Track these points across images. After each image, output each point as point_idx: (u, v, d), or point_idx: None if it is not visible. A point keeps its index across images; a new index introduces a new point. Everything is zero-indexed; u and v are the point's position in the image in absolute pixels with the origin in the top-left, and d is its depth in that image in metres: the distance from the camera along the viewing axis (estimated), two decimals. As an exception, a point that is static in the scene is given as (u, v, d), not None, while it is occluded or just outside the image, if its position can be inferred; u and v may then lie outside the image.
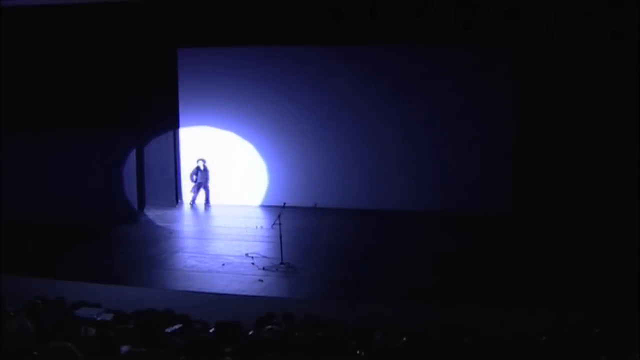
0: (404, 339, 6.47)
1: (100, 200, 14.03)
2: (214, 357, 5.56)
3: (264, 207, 15.36)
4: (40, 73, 13.88)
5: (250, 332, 6.77)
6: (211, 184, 15.69)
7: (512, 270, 10.85)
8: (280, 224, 11.48)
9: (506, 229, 13.17)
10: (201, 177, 15.59)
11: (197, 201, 15.74)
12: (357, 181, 15.03)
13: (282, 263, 11.20)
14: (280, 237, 11.43)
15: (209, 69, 15.45)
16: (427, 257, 11.80)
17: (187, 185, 15.87)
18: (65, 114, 13.90)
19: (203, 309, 8.21)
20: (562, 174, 13.41)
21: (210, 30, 13.99)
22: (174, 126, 15.72)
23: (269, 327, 6.78)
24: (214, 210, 15.61)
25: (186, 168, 15.88)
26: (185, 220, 15.02)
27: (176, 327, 6.83)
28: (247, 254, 11.82)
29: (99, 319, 7.29)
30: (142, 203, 15.22)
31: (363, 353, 5.91)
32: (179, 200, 16.01)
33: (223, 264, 11.45)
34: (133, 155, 14.78)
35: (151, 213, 15.07)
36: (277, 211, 11.89)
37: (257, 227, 13.68)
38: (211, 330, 6.76)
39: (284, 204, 12.06)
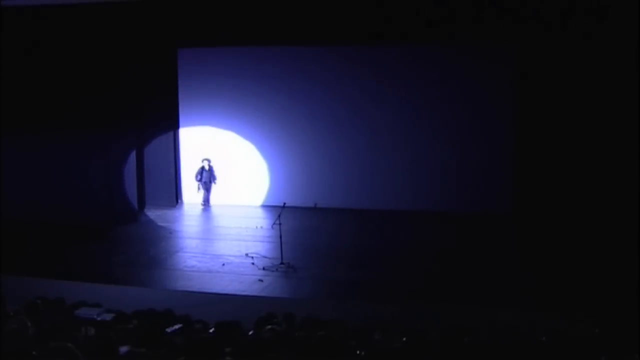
0: (404, 339, 6.47)
1: (101, 200, 14.04)
2: (214, 357, 5.56)
3: (264, 207, 15.37)
4: (40, 73, 13.86)
5: (250, 332, 6.77)
6: (217, 184, 15.65)
7: (512, 270, 10.85)
8: (280, 224, 11.49)
9: (506, 229, 13.17)
10: (206, 177, 15.59)
11: (196, 201, 15.73)
12: (357, 181, 15.04)
13: (282, 263, 11.20)
14: (280, 237, 11.44)
15: (209, 69, 15.46)
16: (427, 257, 11.81)
17: (187, 185, 15.88)
18: (66, 114, 13.89)
19: (203, 309, 8.20)
20: (562, 174, 13.40)
21: (210, 30, 13.98)
22: (174, 126, 15.72)
23: (269, 327, 6.78)
24: (214, 210, 15.61)
25: (186, 168, 15.89)
26: (185, 220, 15.02)
27: (176, 327, 6.83)
28: (247, 254, 11.83)
29: (99, 319, 7.28)
30: (142, 203, 15.22)
31: (363, 353, 5.91)
32: (179, 200, 16.01)
33: (223, 264, 11.45)
34: (133, 155, 14.79)
35: (151, 213, 15.07)
36: (277, 211, 11.90)
37: (257, 227, 13.69)
38: (211, 330, 6.76)
39: (284, 204, 12.06)
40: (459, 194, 14.51)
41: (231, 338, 6.19)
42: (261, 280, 10.68)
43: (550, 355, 6.09)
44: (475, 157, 14.45)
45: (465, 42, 13.80)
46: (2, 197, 13.18)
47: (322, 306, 9.26)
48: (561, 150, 13.45)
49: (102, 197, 14.06)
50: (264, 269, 11.16)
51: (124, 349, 5.53)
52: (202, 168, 15.58)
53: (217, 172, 15.65)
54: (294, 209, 13.55)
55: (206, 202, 15.74)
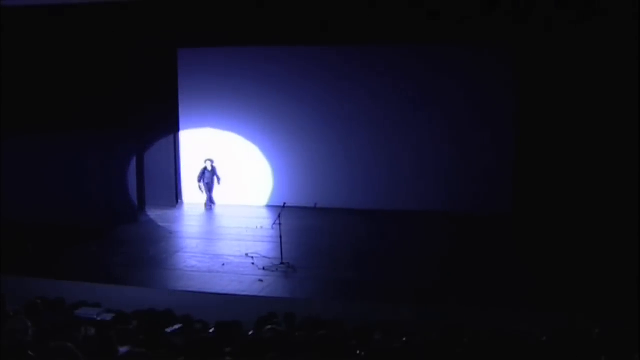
0: (404, 339, 6.47)
1: (101, 200, 14.03)
2: (214, 357, 5.56)
3: (265, 207, 15.35)
4: (40, 73, 13.86)
5: (251, 332, 6.77)
6: (220, 185, 15.57)
7: (512, 270, 10.85)
8: (280, 224, 11.49)
9: (506, 229, 13.16)
10: (208, 178, 15.53)
11: (197, 201, 15.72)
12: (357, 181, 15.03)
13: (282, 263, 11.20)
14: (281, 237, 11.44)
15: (209, 69, 15.44)
16: (427, 257, 11.80)
17: (187, 185, 15.87)
18: (66, 114, 13.88)
19: (203, 309, 8.20)
20: (562, 174, 13.40)
21: (210, 30, 13.97)
22: (174, 126, 15.70)
23: (270, 327, 6.78)
24: (214, 210, 15.59)
25: (186, 168, 15.87)
26: (185, 220, 15.01)
27: (176, 327, 6.83)
28: (247, 254, 11.83)
29: (99, 319, 7.29)
30: (142, 203, 15.21)
31: (363, 353, 5.91)
32: (179, 201, 16.01)
33: (223, 264, 11.45)
34: (133, 155, 14.77)
35: (151, 213, 15.06)
36: (278, 211, 11.90)
37: (257, 227, 13.68)
38: (211, 330, 6.76)
39: (284, 204, 12.05)
40: (458, 194, 14.49)
41: (231, 338, 6.20)
42: (261, 280, 10.68)
43: (550, 355, 6.09)
44: (476, 157, 14.44)
45: (465, 42, 13.80)
46: (2, 197, 13.17)
47: (322, 306, 9.25)
48: (561, 150, 13.45)
49: (102, 197, 14.05)
50: (264, 269, 11.16)
51: (124, 349, 5.53)
52: (205, 169, 15.52)
53: (219, 172, 15.63)
54: (294, 209, 13.53)
55: (210, 201, 15.66)
